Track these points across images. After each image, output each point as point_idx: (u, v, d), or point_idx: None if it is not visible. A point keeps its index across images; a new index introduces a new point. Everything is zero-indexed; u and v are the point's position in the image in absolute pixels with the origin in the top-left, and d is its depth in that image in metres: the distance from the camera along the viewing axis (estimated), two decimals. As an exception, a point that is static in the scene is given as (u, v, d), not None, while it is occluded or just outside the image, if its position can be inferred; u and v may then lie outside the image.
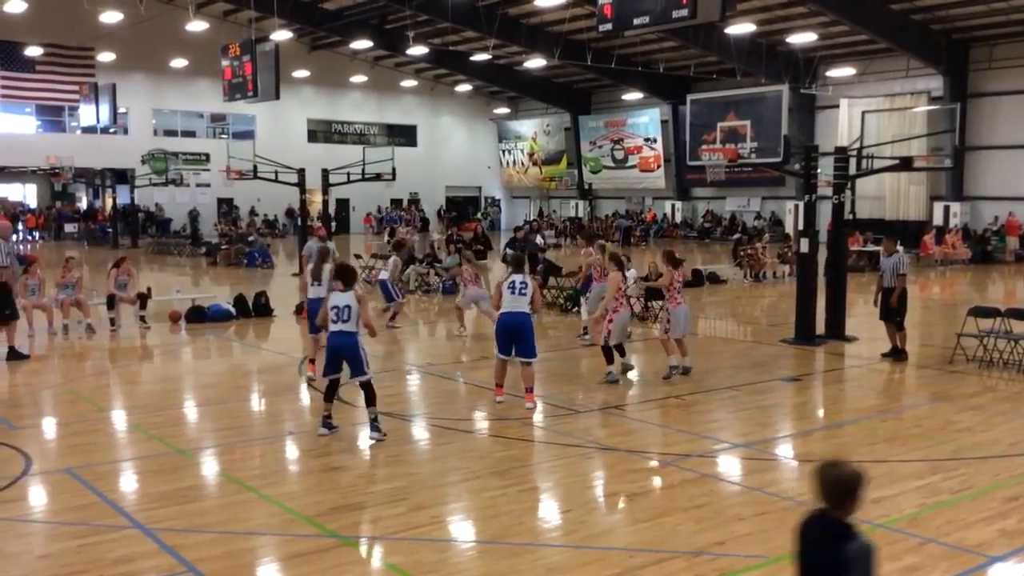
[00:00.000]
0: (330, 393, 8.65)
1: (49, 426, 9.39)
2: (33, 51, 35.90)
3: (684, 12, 14.13)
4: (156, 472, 7.61)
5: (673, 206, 45.98)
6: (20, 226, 42.16)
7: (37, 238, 42.03)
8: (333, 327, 8.45)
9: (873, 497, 6.90)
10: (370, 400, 8.55)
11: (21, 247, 34.60)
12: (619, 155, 46.90)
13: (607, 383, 10.86)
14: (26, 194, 48.03)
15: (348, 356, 8.45)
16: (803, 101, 36.63)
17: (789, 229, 34.97)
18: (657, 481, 7.59)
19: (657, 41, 35.00)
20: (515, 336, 9.64)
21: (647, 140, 45.31)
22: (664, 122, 44.01)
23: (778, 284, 23.36)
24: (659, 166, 44.98)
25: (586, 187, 49.30)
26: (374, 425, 8.51)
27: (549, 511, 6.88)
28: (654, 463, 7.94)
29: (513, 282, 9.70)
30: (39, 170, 42.96)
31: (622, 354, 11.35)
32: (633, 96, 43.69)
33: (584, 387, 10.99)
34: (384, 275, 16.33)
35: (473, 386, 11.17)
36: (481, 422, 9.47)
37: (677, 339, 11.41)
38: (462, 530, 6.46)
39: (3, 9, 30.03)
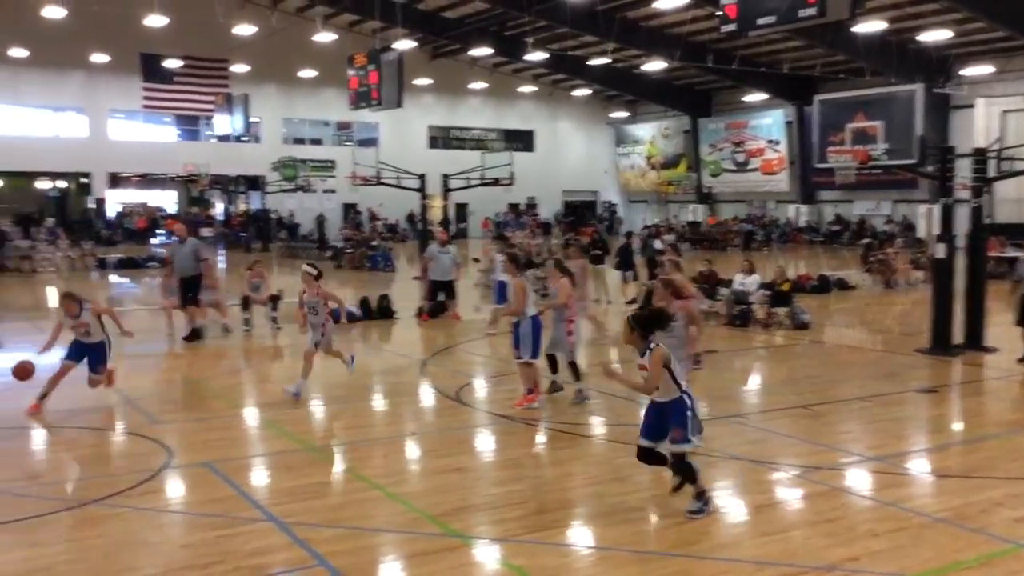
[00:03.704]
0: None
1: (188, 421, 9.83)
2: (172, 63, 37.77)
3: (812, 11, 13.76)
4: (288, 468, 7.88)
5: (797, 209, 44.73)
6: (160, 230, 44.48)
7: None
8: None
9: (1017, 516, 6.56)
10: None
11: (161, 251, 36.43)
12: (740, 158, 45.97)
13: (580, 402, 10.14)
14: (166, 200, 50.66)
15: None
16: (936, 101, 35.02)
17: (922, 233, 33.51)
18: (785, 493, 7.37)
19: (782, 41, 34.14)
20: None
21: (770, 142, 44.26)
22: (788, 123, 42.89)
23: (911, 291, 22.40)
24: (783, 169, 43.85)
25: (705, 191, 48.52)
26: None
27: (672, 519, 6.77)
28: (781, 474, 7.72)
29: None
30: (177, 177, 45.19)
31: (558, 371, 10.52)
32: (756, 97, 42.74)
33: (707, 395, 10.78)
34: (504, 277, 16.44)
35: (592, 390, 11.11)
36: (600, 427, 9.43)
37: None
38: (583, 535, 6.43)
39: (145, 24, 31.72)
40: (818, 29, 28.22)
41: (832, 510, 6.78)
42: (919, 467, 8.16)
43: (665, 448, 6.58)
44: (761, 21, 14.73)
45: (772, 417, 9.77)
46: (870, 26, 29.08)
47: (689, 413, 6.55)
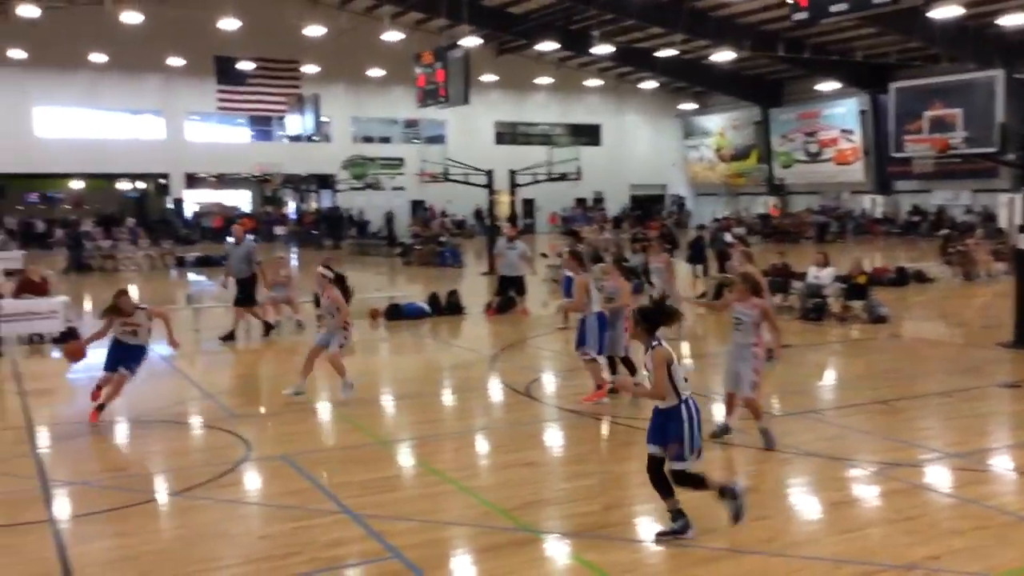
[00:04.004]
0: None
1: (265, 415, 10.06)
2: (245, 65, 38.59)
3: (887, -4, 13.42)
4: (362, 461, 8.00)
5: (872, 200, 43.70)
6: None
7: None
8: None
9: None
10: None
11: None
12: (813, 148, 45.08)
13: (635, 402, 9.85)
14: (240, 199, 51.85)
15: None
16: (1017, 87, 33.80)
17: (1003, 223, 32.42)
18: (863, 490, 7.22)
19: (854, 28, 33.36)
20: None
21: (844, 132, 43.30)
22: (862, 112, 41.91)
23: (992, 283, 21.70)
24: (857, 159, 42.88)
25: (777, 182, 47.71)
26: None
27: (745, 516, 6.69)
28: (859, 471, 7.56)
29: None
30: (251, 177, 46.18)
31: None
32: (829, 86, 41.82)
33: (780, 390, 10.62)
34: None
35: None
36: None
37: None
38: (655, 531, 6.39)
39: (219, 27, 32.48)
40: (892, 15, 27.56)
41: (912, 507, 6.62)
42: (1002, 464, 7.91)
43: (667, 463, 6.00)
44: (834, 8, 14.46)
45: (849, 413, 9.57)
46: (946, 11, 28.16)
47: (687, 425, 5.92)
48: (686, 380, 6.03)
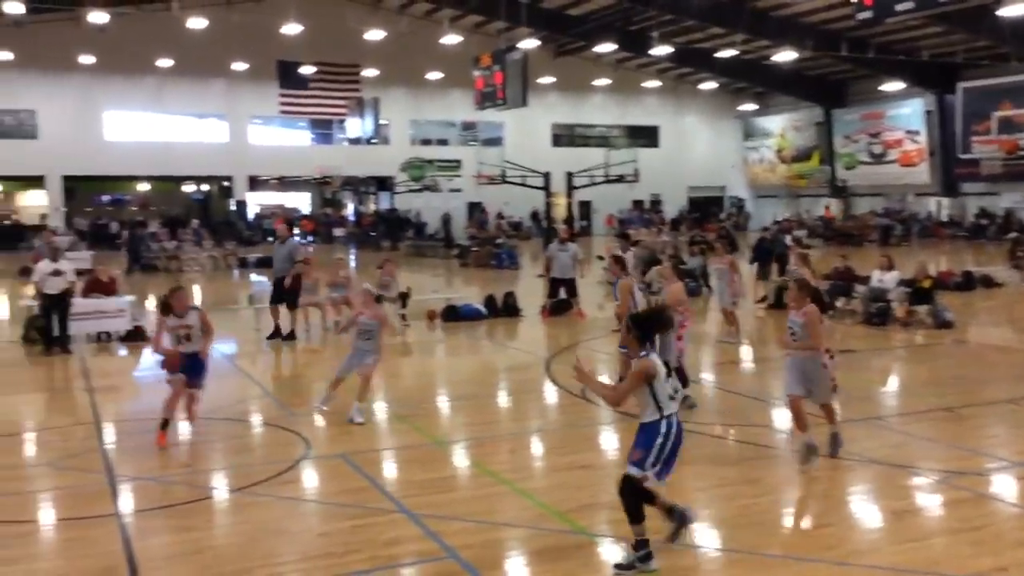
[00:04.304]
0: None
1: (324, 414, 10.19)
2: (307, 70, 39.20)
3: (955, -6, 13.11)
4: (419, 461, 8.08)
5: (938, 203, 42.68)
6: (296, 231, 46.26)
7: (311, 241, 45.83)
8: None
9: None
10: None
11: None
12: (877, 149, 44.20)
13: (688, 408, 9.55)
14: (301, 201, 52.66)
15: None
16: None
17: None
18: (927, 499, 7.06)
19: (920, 27, 32.63)
20: None
21: (909, 133, 42.36)
22: (928, 113, 40.95)
23: (1064, 288, 21.06)
24: (922, 160, 41.90)
25: (839, 184, 46.89)
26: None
27: (806, 524, 6.61)
28: (922, 479, 7.40)
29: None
30: (312, 179, 46.84)
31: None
32: (893, 86, 40.92)
33: (843, 395, 10.41)
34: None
35: (723, 391, 10.94)
36: (730, 427, 9.25)
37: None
38: (713, 537, 6.33)
39: (281, 32, 33.03)
40: (960, 14, 26.93)
41: (978, 517, 6.46)
42: (1075, 475, 7.68)
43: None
44: (900, 7, 14.20)
45: (912, 420, 9.37)
46: (1017, 8, 27.32)
47: (661, 439, 5.60)
48: (672, 398, 5.76)
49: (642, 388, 5.65)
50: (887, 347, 14.18)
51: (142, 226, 33.43)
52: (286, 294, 14.97)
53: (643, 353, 5.71)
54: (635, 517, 5.65)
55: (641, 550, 5.61)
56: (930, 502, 6.99)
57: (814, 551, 5.92)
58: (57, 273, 13.79)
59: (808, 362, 7.76)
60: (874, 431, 8.88)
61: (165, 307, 8.82)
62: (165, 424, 8.60)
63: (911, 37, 34.91)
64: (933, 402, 9.94)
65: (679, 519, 5.84)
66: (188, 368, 8.72)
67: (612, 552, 6.01)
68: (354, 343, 9.62)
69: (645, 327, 5.77)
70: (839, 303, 16.53)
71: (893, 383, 11.92)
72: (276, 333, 14.77)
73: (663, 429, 5.65)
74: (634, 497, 5.65)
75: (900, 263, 17.56)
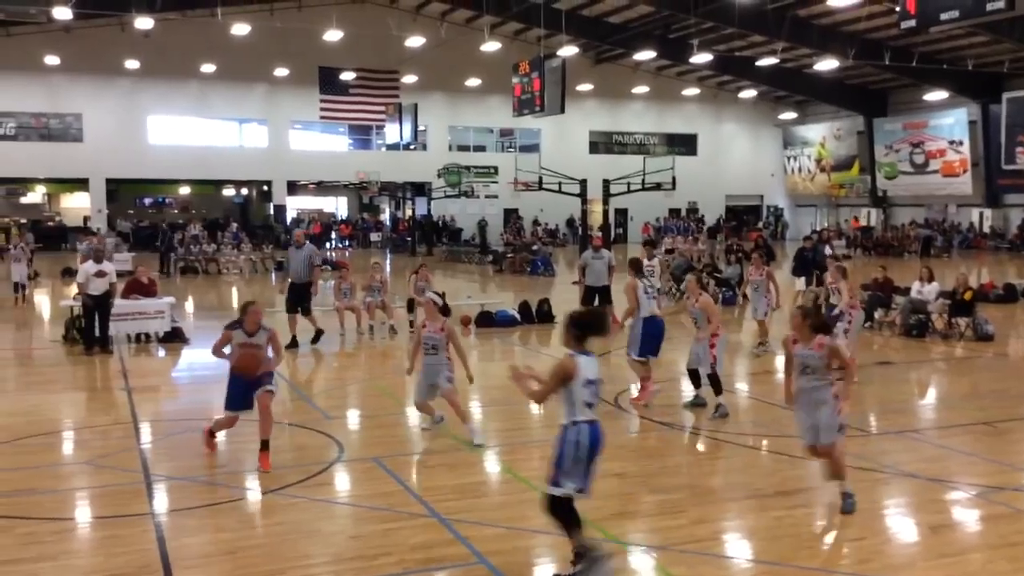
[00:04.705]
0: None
1: (357, 417, 10.27)
2: (347, 76, 39.58)
3: (1000, 3, 12.98)
4: (451, 466, 8.10)
5: (981, 214, 41.99)
6: (333, 235, 46.73)
7: (347, 246, 46.21)
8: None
9: None
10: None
11: (333, 254, 38.21)
12: (919, 159, 43.60)
13: (720, 417, 9.64)
14: (338, 206, 53.12)
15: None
16: None
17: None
18: (964, 514, 6.95)
19: (965, 36, 32.17)
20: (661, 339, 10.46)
21: (952, 143, 41.73)
22: (972, 123, 40.32)
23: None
24: (965, 171, 41.26)
25: (880, 194, 46.31)
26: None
27: (840, 537, 6.52)
28: (960, 494, 7.28)
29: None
30: (350, 184, 47.22)
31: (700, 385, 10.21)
32: (936, 96, 40.39)
33: (880, 408, 10.31)
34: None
35: (755, 400, 10.85)
36: (763, 438, 9.18)
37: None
38: (745, 548, 6.28)
39: (323, 38, 33.40)
40: (1006, 23, 26.50)
41: (1016, 533, 6.35)
42: (1119, 493, 7.51)
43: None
44: (944, 16, 13.98)
45: (951, 433, 9.23)
46: (1067, 16, 26.97)
47: (570, 449, 5.33)
48: (589, 405, 5.45)
49: (560, 389, 5.44)
50: (926, 359, 13.98)
51: (173, 229, 33.84)
52: (302, 300, 14.72)
53: (570, 353, 5.52)
54: (568, 530, 5.47)
55: (581, 562, 5.41)
56: (967, 517, 6.88)
57: (849, 564, 5.85)
58: (101, 274, 14.01)
59: (814, 411, 6.78)
60: (911, 444, 8.77)
61: (237, 323, 8.11)
62: (212, 435, 8.42)
63: (956, 46, 34.43)
64: (972, 415, 9.78)
65: (590, 559, 5.42)
66: (254, 384, 8.00)
67: (643, 561, 5.99)
68: (422, 359, 9.06)
69: (581, 326, 5.58)
70: (877, 314, 16.33)
71: (931, 396, 11.75)
72: (294, 343, 14.33)
73: (572, 437, 5.40)
74: (559, 511, 5.45)
75: (941, 274, 17.30)
